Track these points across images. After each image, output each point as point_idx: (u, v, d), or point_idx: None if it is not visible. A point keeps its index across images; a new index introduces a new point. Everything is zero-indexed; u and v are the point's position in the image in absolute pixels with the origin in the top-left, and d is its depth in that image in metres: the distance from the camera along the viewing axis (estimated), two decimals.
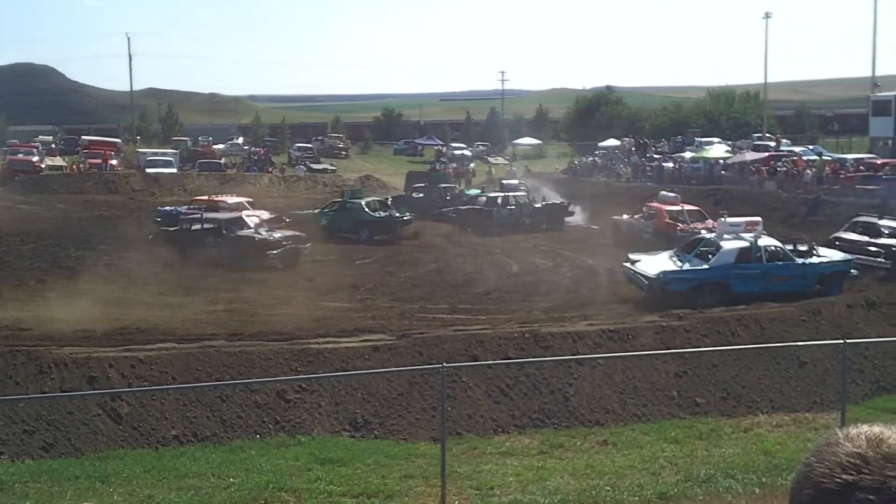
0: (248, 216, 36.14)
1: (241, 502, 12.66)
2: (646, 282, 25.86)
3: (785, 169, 54.68)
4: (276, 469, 14.62)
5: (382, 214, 41.54)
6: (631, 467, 14.52)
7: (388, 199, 47.90)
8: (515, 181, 55.49)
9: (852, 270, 27.05)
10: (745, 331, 21.48)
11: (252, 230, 34.10)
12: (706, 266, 25.96)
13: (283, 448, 16.12)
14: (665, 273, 25.55)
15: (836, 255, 27.45)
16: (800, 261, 26.26)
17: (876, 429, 1.64)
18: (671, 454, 15.18)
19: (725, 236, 26.82)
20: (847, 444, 1.62)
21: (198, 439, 16.73)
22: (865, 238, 30.18)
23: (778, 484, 12.97)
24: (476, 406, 18.20)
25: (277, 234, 34.19)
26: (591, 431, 17.37)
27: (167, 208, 43.87)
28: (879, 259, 29.00)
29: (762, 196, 49.23)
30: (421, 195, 50.14)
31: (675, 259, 26.91)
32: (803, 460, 1.66)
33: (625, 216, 39.13)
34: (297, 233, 35.25)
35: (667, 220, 35.96)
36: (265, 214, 40.13)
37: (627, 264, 27.41)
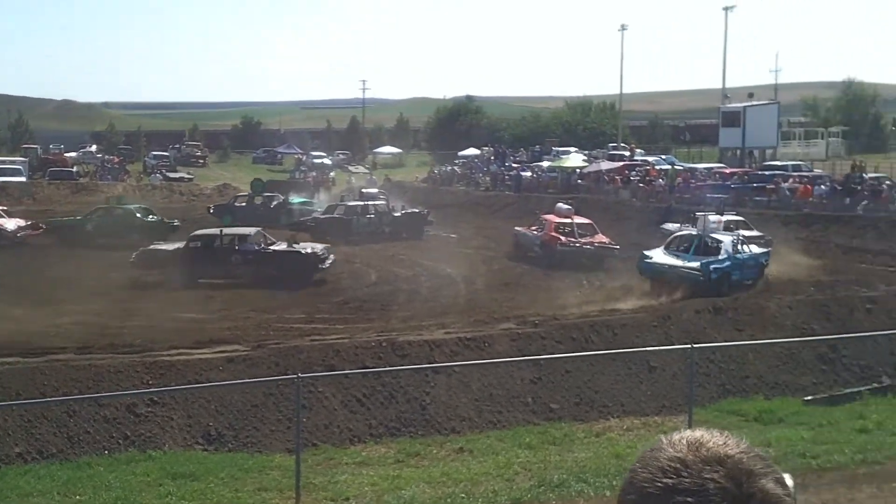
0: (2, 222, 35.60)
1: None
2: (690, 273, 28.21)
3: (639, 178, 56.08)
4: (126, 485, 14.26)
5: (152, 219, 42.59)
6: (486, 474, 14.62)
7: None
8: (375, 190, 55.55)
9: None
10: (598, 336, 21.87)
11: (286, 245, 32.83)
12: (725, 257, 28.87)
13: (133, 463, 15.71)
14: (705, 264, 28.21)
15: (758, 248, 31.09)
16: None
17: (697, 433, 1.67)
18: (525, 460, 15.34)
19: (712, 233, 30.46)
20: (669, 449, 1.65)
21: (43, 457, 16.16)
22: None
23: None
24: (332, 416, 18.08)
25: (319, 247, 33.24)
26: (448, 439, 17.43)
27: None
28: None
29: (617, 204, 50.43)
30: (244, 204, 50.75)
31: (675, 255, 29.79)
32: (630, 466, 1.68)
33: (523, 228, 38.84)
34: (326, 245, 34.45)
35: (551, 233, 35.87)
36: (21, 221, 40.17)
37: (648, 260, 29.88)
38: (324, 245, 34.00)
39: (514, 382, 19.37)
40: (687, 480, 1.58)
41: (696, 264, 28.31)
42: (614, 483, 13.64)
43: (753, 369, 20.58)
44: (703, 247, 29.49)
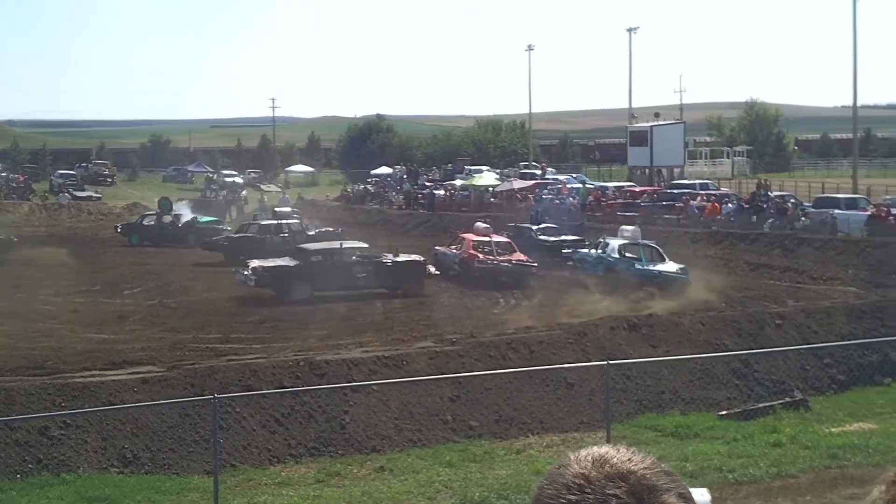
0: None
1: None
2: (668, 278, 32.72)
3: (551, 196, 56.62)
4: None
5: None
6: (408, 493, 14.61)
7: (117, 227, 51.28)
8: (288, 208, 55.27)
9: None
10: (516, 354, 21.97)
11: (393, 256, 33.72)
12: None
13: (47, 487, 15.37)
14: (684, 269, 33.34)
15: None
16: None
17: (603, 449, 1.68)
18: (447, 478, 15.35)
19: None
20: (575, 465, 1.65)
21: None
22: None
23: None
24: (251, 437, 17.88)
25: (415, 257, 34.52)
26: (368, 458, 17.37)
27: None
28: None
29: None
30: (152, 223, 50.84)
31: (643, 262, 33.92)
32: (537, 483, 1.68)
33: (443, 247, 39.02)
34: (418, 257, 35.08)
35: (470, 251, 36.06)
36: None
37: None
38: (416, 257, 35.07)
39: (434, 400, 19.37)
40: (590, 497, 1.59)
41: (677, 268, 33.42)
42: None
43: (669, 385, 20.86)
44: (657, 255, 34.34)
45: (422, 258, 34.63)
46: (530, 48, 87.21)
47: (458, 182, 69.88)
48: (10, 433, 16.64)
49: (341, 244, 34.53)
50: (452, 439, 18.41)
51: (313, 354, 21.47)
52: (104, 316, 28.42)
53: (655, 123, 74.65)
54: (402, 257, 33.84)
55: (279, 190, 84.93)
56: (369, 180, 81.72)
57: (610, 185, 64.31)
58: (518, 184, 63.91)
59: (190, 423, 17.71)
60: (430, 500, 14.20)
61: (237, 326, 26.81)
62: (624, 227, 37.92)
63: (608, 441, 14.54)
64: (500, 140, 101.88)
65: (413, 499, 14.28)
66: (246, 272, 31.92)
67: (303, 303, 30.17)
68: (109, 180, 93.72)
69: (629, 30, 79.01)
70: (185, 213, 52.34)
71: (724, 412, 19.18)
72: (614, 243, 35.35)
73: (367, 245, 34.77)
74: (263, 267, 32.05)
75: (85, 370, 20.03)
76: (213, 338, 25.00)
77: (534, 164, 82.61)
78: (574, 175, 73.81)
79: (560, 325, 24.67)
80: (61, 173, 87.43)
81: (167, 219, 50.47)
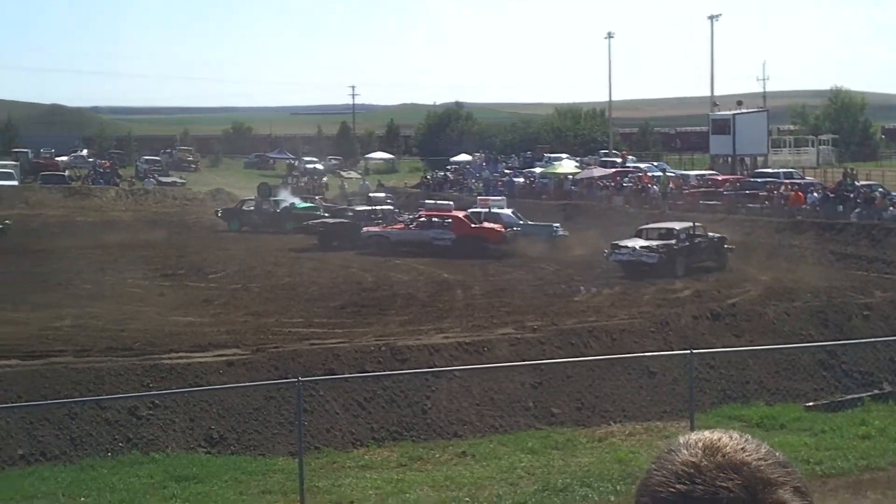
0: None
1: None
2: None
3: (631, 185, 56.18)
4: (130, 487, 14.27)
5: None
6: (490, 478, 14.65)
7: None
8: (382, 194, 55.80)
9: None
10: (597, 342, 21.90)
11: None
12: None
13: (137, 466, 15.71)
14: None
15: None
16: None
17: (715, 436, 1.62)
18: (528, 464, 15.37)
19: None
20: (684, 451, 1.59)
21: (46, 458, 16.15)
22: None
23: (632, 492, 13.23)
24: (334, 420, 18.08)
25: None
26: (450, 443, 17.44)
27: None
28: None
29: (610, 211, 50.46)
30: (252, 208, 51.16)
31: None
32: (646, 467, 1.64)
33: None
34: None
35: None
36: None
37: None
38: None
39: (515, 387, 19.40)
40: (700, 488, 1.53)
41: None
42: (618, 488, 13.69)
43: (754, 375, 20.63)
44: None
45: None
46: (610, 35, 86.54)
47: (537, 170, 69.60)
48: (100, 412, 17.04)
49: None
50: (534, 426, 18.42)
51: (395, 340, 21.62)
52: (190, 299, 28.88)
53: (738, 111, 73.48)
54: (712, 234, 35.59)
55: (359, 177, 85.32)
56: (448, 168, 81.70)
57: (691, 173, 63.50)
58: (598, 172, 63.41)
59: (274, 405, 17.95)
60: (513, 486, 14.23)
61: (319, 311, 27.02)
62: None
63: (691, 430, 14.44)
64: (579, 128, 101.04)
65: (495, 484, 14.32)
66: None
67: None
68: (193, 166, 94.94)
69: (711, 17, 77.92)
70: (284, 199, 52.85)
71: (810, 403, 18.91)
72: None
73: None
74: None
75: (172, 352, 20.39)
76: (296, 322, 25.26)
77: (614, 152, 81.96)
78: (655, 163, 73.04)
79: (642, 313, 24.51)
80: (146, 159, 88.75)
81: (266, 205, 51.01)
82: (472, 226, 40.67)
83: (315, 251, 40.68)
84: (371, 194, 54.34)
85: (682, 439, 1.63)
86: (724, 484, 1.52)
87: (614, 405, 19.31)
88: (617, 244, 34.09)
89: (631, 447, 16.39)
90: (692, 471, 1.55)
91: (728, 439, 1.60)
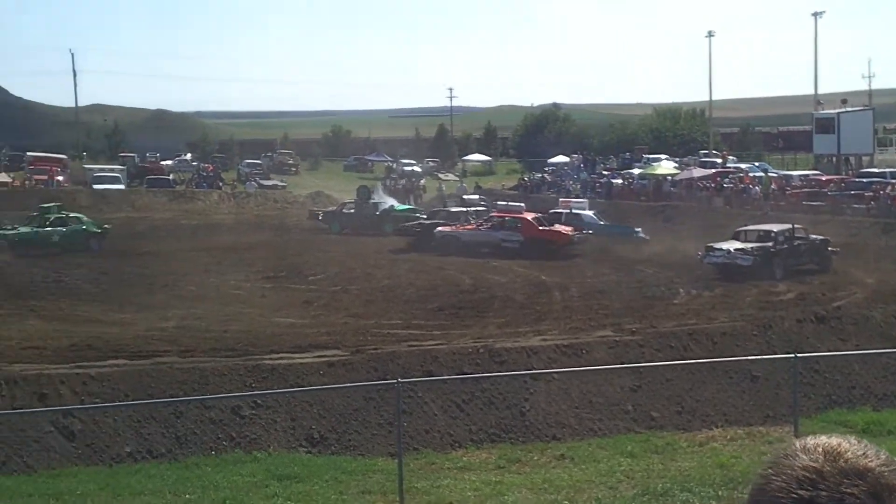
0: None
1: None
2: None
3: (732, 185, 55.34)
4: (233, 485, 14.52)
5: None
6: (588, 481, 14.59)
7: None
8: (476, 196, 55.97)
9: None
10: (698, 345, 21.64)
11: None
12: None
13: (240, 464, 15.99)
14: None
15: None
16: None
17: (834, 441, 1.58)
18: (628, 468, 15.26)
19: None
20: (804, 456, 1.56)
21: (152, 456, 16.54)
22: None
23: (734, 497, 13.10)
24: (432, 421, 18.17)
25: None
26: (548, 446, 17.40)
27: None
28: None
29: (711, 212, 49.79)
30: (352, 210, 51.75)
31: None
32: (760, 471, 1.60)
33: None
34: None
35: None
36: None
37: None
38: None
39: (614, 390, 19.27)
40: (825, 494, 1.49)
41: None
42: (720, 493, 13.51)
43: (860, 380, 20.17)
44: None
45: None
46: (710, 34, 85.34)
47: (635, 171, 69.01)
48: (204, 412, 17.38)
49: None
50: (633, 429, 18.27)
51: (492, 342, 21.64)
52: (291, 301, 29.29)
53: (843, 110, 71.90)
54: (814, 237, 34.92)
55: (457, 179, 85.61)
56: (546, 169, 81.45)
57: (794, 173, 62.31)
58: (698, 172, 62.58)
59: (374, 406, 18.11)
60: (612, 489, 14.14)
61: (417, 313, 27.18)
62: None
63: (796, 436, 14.16)
64: (678, 128, 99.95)
65: (594, 487, 14.25)
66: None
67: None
68: (293, 169, 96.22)
69: (815, 14, 76.39)
70: (384, 202, 53.34)
71: None
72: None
73: None
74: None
75: (273, 353, 20.70)
76: (395, 324, 25.44)
77: (714, 152, 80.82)
78: (756, 164, 71.84)
79: (744, 316, 24.14)
80: (248, 163, 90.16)
81: (366, 207, 51.54)
82: (541, 228, 41.03)
83: (411, 252, 40.99)
84: (465, 196, 54.53)
85: (798, 444, 1.60)
86: (849, 490, 1.49)
87: (715, 409, 19.05)
88: (711, 246, 33.75)
89: (733, 452, 16.15)
90: (815, 476, 1.52)
91: (848, 444, 1.57)
